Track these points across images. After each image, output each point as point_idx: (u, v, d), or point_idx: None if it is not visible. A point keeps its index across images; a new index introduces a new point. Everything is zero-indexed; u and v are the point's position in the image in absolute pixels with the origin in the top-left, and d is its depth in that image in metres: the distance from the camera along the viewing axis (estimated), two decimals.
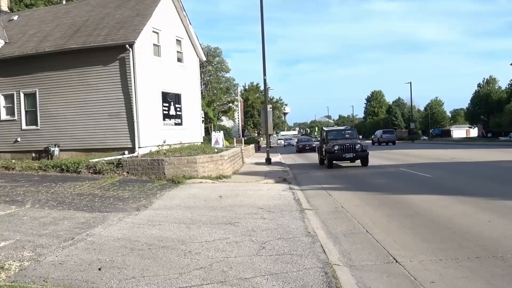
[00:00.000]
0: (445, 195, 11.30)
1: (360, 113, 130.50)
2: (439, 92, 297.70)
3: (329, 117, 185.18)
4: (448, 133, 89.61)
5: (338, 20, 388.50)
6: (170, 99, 21.59)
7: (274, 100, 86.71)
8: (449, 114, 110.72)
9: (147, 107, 19.36)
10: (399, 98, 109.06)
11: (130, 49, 18.36)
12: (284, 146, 72.09)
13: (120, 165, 16.37)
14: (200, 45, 25.81)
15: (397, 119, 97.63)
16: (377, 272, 5.62)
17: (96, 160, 16.93)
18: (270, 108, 25.64)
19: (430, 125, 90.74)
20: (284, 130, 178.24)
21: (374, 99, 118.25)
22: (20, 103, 20.67)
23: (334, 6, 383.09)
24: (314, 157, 30.38)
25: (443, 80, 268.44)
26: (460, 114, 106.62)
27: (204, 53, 27.55)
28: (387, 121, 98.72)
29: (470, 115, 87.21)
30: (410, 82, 77.13)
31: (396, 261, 5.97)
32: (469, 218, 8.50)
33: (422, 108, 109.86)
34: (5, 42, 21.85)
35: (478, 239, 6.89)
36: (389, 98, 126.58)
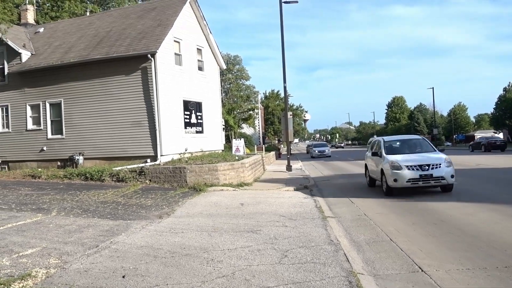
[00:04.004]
0: (470, 202, 11.08)
1: (381, 119, 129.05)
2: (462, 96, 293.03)
3: (350, 123, 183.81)
4: (472, 139, 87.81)
5: (356, 26, 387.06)
6: (191, 107, 21.77)
7: (294, 107, 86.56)
8: (473, 119, 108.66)
9: (169, 116, 19.54)
10: (420, 103, 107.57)
11: (152, 58, 18.60)
12: (312, 157, 49.22)
13: (143, 173, 16.55)
14: (220, 53, 25.99)
15: (420, 125, 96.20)
16: (402, 281, 5.53)
17: (119, 168, 17.15)
18: (291, 115, 25.59)
19: (453, 131, 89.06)
20: (304, 137, 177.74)
21: (395, 104, 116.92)
22: (46, 113, 21.13)
23: (353, 12, 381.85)
24: (342, 166, 30.01)
25: (466, 85, 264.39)
26: (485, 119, 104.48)
27: (224, 61, 27.72)
28: (409, 127, 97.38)
29: (495, 120, 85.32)
30: (432, 87, 75.74)
31: (422, 270, 5.86)
32: (496, 226, 8.30)
33: (445, 114, 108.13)
34: (32, 54, 22.41)
35: (506, 247, 6.71)
36: (411, 104, 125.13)
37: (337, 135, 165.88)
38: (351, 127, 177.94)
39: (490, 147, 42.20)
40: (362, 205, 11.74)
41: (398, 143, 15.36)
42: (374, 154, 14.84)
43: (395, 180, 12.59)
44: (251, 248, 6.95)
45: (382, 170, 13.43)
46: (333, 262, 6.11)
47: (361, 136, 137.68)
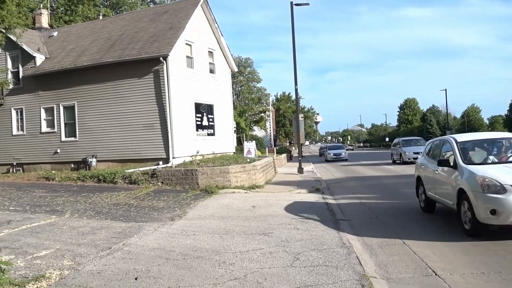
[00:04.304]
0: None
1: (393, 121, 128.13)
2: (475, 98, 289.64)
3: (361, 125, 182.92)
4: None
5: (368, 28, 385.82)
6: (203, 110, 21.85)
7: (306, 109, 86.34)
8: (486, 121, 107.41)
9: (181, 118, 19.64)
10: (433, 105, 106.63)
11: (164, 61, 18.72)
12: (327, 160, 43.64)
13: (155, 175, 16.64)
14: (232, 56, 26.07)
15: (432, 127, 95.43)
16: (416, 285, 5.48)
17: (132, 170, 17.27)
18: (302, 117, 25.55)
19: (467, 133, 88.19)
20: (316, 139, 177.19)
21: (407, 106, 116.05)
22: (59, 116, 21.38)
23: (364, 14, 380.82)
24: (353, 169, 29.78)
25: (479, 86, 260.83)
26: (498, 121, 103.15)
27: (235, 63, 27.79)
28: (421, 129, 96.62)
29: (509, 122, 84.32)
30: (445, 89, 75.10)
31: (436, 274, 5.81)
32: None
33: (458, 115, 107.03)
34: (46, 57, 22.70)
35: None
36: (423, 106, 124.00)
37: (349, 137, 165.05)
38: (363, 129, 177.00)
39: None
40: (374, 207, 11.66)
41: (484, 145, 9.26)
42: (441, 162, 9.10)
43: (494, 213, 7.10)
44: (263, 251, 6.94)
45: (460, 191, 8.00)
46: (345, 265, 6.08)
47: (373, 138, 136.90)
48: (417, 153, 25.55)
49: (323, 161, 43.78)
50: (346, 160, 42.10)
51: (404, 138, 32.93)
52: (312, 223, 9.26)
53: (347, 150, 53.12)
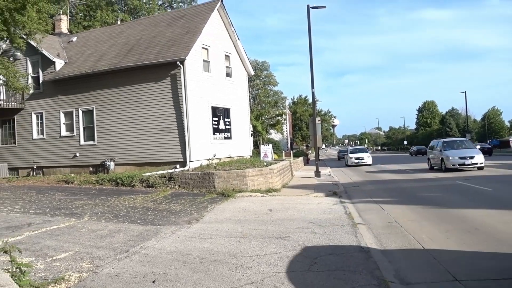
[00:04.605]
0: (507, 209, 10.71)
1: (411, 124, 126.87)
2: (495, 100, 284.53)
3: (379, 128, 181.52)
4: (507, 144, 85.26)
5: (386, 31, 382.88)
6: (220, 113, 21.91)
7: (323, 112, 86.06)
8: (507, 124, 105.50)
9: (198, 122, 19.73)
10: (452, 108, 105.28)
11: (181, 65, 18.84)
12: (347, 165, 38.99)
13: (172, 179, 16.73)
14: (248, 59, 26.11)
15: (452, 130, 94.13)
16: None
17: (149, 174, 17.39)
18: (319, 120, 25.44)
19: (487, 136, 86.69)
20: (333, 143, 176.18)
21: (426, 109, 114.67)
22: (78, 120, 21.69)
23: (382, 17, 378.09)
24: (371, 173, 29.35)
25: (499, 89, 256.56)
26: None
27: (252, 67, 27.84)
28: (440, 132, 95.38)
29: None
30: (465, 92, 73.94)
31: (456, 279, 5.69)
32: None
33: (478, 118, 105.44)
34: (65, 62, 23.07)
35: None
36: (442, 108, 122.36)
37: (366, 140, 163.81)
38: (381, 132, 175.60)
39: None
40: (392, 211, 11.52)
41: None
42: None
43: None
44: (280, 255, 6.90)
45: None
46: (363, 269, 6.01)
47: (391, 141, 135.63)
48: (464, 158, 23.17)
49: (341, 165, 42.98)
50: (370, 165, 37.32)
51: (445, 140, 27.07)
52: (329, 227, 9.18)
53: None
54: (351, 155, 39.69)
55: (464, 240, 7.88)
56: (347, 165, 38.90)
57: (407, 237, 8.35)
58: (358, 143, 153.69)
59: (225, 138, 22.40)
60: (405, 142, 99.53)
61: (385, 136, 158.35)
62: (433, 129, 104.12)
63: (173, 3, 47.50)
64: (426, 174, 23.56)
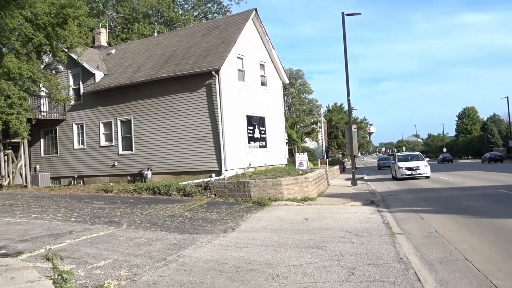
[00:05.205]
0: None
1: (450, 131, 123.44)
2: None
3: (417, 136, 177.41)
4: None
5: (423, 36, 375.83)
6: (255, 122, 21.98)
7: (359, 120, 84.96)
8: None
9: (233, 131, 19.84)
10: (494, 114, 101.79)
11: (216, 75, 19.04)
12: (395, 178, 28.96)
13: (208, 188, 16.86)
14: (283, 67, 26.13)
15: (493, 137, 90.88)
16: None
17: (185, 183, 17.59)
18: (355, 128, 25.13)
19: None
20: (369, 151, 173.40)
21: (466, 116, 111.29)
22: (117, 130, 22.22)
23: (419, 22, 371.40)
24: (409, 181, 28.43)
25: None
26: None
27: (286, 75, 27.83)
28: (481, 139, 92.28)
29: None
30: (507, 97, 71.39)
31: None
32: None
33: None
34: (104, 74, 23.74)
35: None
36: (483, 115, 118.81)
37: (404, 148, 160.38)
38: (419, 140, 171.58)
39: None
40: (432, 221, 11.18)
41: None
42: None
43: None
44: (317, 265, 6.81)
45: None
46: (403, 281, 5.84)
47: (429, 149, 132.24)
48: None
49: (378, 173, 42.12)
50: (428, 177, 27.52)
51: None
52: (367, 237, 9.00)
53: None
54: (400, 164, 28.64)
55: (509, 251, 7.55)
56: (395, 178, 29.03)
57: (448, 248, 8.08)
58: (396, 151, 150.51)
59: (260, 146, 22.42)
60: (444, 150, 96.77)
61: (423, 144, 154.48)
62: (473, 136, 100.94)
63: (208, 14, 48.21)
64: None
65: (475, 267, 6.68)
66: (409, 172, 27.65)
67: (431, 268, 6.75)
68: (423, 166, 27.94)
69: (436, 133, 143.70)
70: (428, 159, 32.55)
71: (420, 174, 27.48)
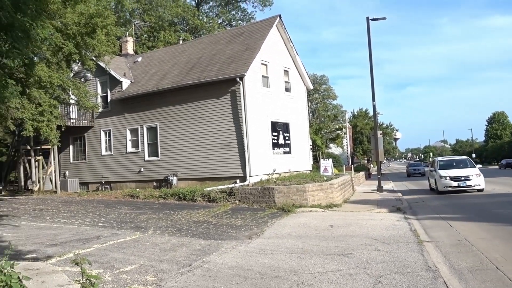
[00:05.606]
0: None
1: (480, 137, 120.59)
2: None
3: (445, 141, 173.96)
4: None
5: (450, 40, 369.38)
6: (279, 128, 21.97)
7: (384, 125, 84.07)
8: None
9: (257, 137, 19.88)
10: None
11: (241, 82, 19.14)
12: (437, 190, 21.36)
13: (232, 194, 16.91)
14: (307, 73, 26.08)
15: None
16: None
17: (210, 189, 17.69)
18: (380, 134, 24.82)
19: None
20: (395, 156, 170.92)
21: (496, 120, 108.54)
22: (143, 136, 22.55)
23: (445, 26, 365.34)
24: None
25: None
26: None
27: (310, 81, 27.77)
28: None
29: None
30: None
31: None
32: None
33: None
34: (131, 82, 24.16)
35: None
36: None
37: (431, 154, 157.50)
38: (446, 145, 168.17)
39: None
40: (462, 229, 10.92)
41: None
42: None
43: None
44: (342, 272, 6.74)
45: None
46: None
47: (458, 155, 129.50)
48: None
49: (404, 179, 41.47)
50: (481, 190, 20.77)
51: None
52: (394, 244, 8.86)
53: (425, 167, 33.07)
54: (442, 172, 21.50)
55: None
56: (435, 191, 22.11)
57: (478, 256, 7.87)
58: (422, 157, 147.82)
59: (284, 152, 22.38)
60: (474, 155, 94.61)
61: (451, 149, 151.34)
62: (504, 141, 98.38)
63: (232, 21, 48.60)
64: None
65: (507, 276, 6.50)
66: (455, 184, 20.67)
67: (461, 278, 6.59)
68: (475, 176, 20.86)
69: (465, 138, 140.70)
70: (480, 165, 25.77)
71: (470, 186, 20.66)
